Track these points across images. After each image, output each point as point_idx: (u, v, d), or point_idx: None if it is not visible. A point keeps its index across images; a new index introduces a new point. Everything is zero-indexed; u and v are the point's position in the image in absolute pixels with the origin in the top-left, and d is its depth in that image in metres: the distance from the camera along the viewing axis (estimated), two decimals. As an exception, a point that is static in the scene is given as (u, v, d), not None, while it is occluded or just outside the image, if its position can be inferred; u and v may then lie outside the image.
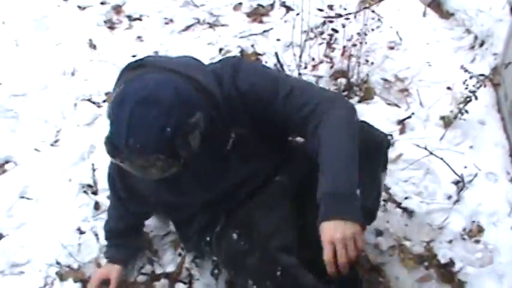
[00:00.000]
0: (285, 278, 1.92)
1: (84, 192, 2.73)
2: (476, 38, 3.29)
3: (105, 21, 3.50)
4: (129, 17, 3.53)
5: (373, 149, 2.06)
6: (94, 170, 2.78)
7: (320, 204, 1.76)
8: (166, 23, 3.49)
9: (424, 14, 3.44)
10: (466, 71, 2.80)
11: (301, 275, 1.95)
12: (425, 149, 2.69)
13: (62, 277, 2.47)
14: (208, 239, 2.17)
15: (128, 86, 1.78)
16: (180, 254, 2.49)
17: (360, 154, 1.83)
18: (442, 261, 2.42)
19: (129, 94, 1.75)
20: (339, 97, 2.19)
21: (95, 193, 2.72)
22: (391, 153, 2.45)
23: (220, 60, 2.08)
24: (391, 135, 2.59)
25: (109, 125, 1.79)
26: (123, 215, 2.38)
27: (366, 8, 3.21)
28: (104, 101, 3.09)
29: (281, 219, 2.07)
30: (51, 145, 2.94)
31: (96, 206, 2.67)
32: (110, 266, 2.39)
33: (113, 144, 1.77)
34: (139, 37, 3.41)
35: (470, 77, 2.78)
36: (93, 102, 3.10)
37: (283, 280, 1.92)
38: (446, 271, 2.41)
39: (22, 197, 2.74)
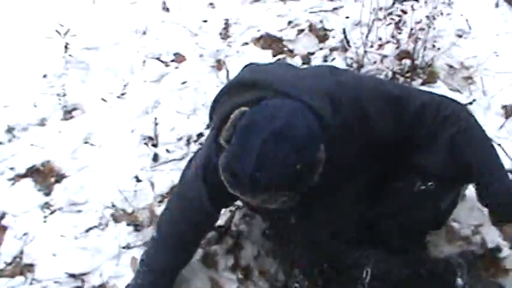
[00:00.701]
0: (333, 267, 2.09)
1: (145, 143, 2.83)
2: (548, 32, 3.25)
3: (178, -15, 3.59)
4: (203, -16, 3.61)
5: None
6: (156, 124, 2.88)
7: (497, 208, 2.05)
8: (239, -8, 3.56)
9: (497, 5, 3.41)
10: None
11: (348, 257, 2.12)
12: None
13: (116, 219, 2.58)
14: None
15: (255, 114, 1.74)
16: (230, 210, 2.55)
17: None
18: (489, 245, 2.43)
19: (258, 124, 1.70)
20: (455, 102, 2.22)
21: (154, 145, 2.82)
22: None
23: (332, 73, 2.03)
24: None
25: (229, 151, 1.73)
26: (180, 247, 2.25)
27: (437, -8, 3.22)
28: (172, 61, 3.19)
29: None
30: (118, 97, 3.05)
31: (155, 157, 2.77)
32: None
33: (235, 175, 1.70)
34: (211, 4, 3.49)
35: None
36: (162, 61, 3.19)
37: (331, 270, 2.09)
38: (492, 256, 2.42)
39: (86, 142, 2.86)
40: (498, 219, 2.12)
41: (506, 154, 2.64)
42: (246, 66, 2.09)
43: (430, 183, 2.11)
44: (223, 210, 2.52)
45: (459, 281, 2.16)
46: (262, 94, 1.85)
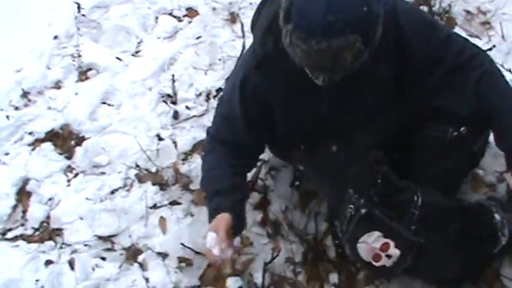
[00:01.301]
0: (386, 184, 2.04)
1: (164, 101, 2.81)
2: None
3: None
4: None
5: None
6: (174, 81, 2.85)
7: (509, 156, 2.09)
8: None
9: None
10: (555, 3, 2.75)
11: (398, 181, 2.08)
12: (510, 71, 2.66)
13: (140, 179, 2.57)
14: (302, 147, 2.16)
15: None
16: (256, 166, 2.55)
17: None
18: (514, 190, 2.44)
19: None
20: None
21: (174, 103, 2.80)
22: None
23: None
24: None
25: (296, 7, 1.70)
26: (234, 154, 2.15)
27: None
28: (185, 16, 3.13)
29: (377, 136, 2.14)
30: (133, 55, 3.01)
31: (175, 115, 2.75)
32: (218, 218, 2.01)
33: (309, 22, 1.67)
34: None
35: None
36: (174, 16, 3.14)
37: (385, 186, 2.03)
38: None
39: (103, 103, 2.84)
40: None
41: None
42: None
43: (462, 129, 2.11)
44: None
45: (497, 217, 2.16)
46: None
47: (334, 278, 2.28)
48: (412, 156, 2.23)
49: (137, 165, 2.59)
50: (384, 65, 1.95)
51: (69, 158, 2.68)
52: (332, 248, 2.33)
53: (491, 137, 2.51)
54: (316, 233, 2.37)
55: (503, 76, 2.14)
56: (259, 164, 2.50)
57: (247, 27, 2.97)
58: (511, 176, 2.14)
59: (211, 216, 2.02)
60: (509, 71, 2.69)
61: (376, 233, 1.98)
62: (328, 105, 2.00)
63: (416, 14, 2.08)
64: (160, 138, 2.68)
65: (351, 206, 2.02)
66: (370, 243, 1.97)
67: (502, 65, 2.65)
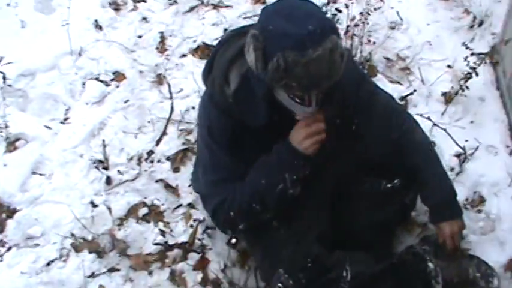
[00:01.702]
0: (316, 267, 2.11)
1: (95, 167, 2.79)
2: (475, 18, 3.35)
3: (109, 3, 3.52)
4: (134, -1, 3.58)
5: None
6: (104, 146, 2.84)
7: (434, 209, 2.32)
8: (171, 4, 3.52)
9: (424, -5, 3.52)
10: (467, 47, 2.89)
11: (328, 259, 2.16)
12: (429, 119, 2.77)
13: (76, 248, 2.54)
14: None
15: (268, 9, 1.84)
16: (191, 226, 2.56)
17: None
18: (446, 229, 2.51)
19: (278, 7, 1.82)
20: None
21: (106, 168, 2.78)
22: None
23: None
24: (433, 142, 2.72)
25: (274, 34, 1.77)
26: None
27: (368, -11, 3.30)
28: (112, 80, 3.13)
29: (320, 206, 2.22)
30: (61, 123, 2.97)
31: (108, 180, 2.74)
32: None
33: (296, 38, 1.74)
34: (144, 18, 3.45)
35: (472, 54, 2.87)
36: (101, 81, 3.13)
37: (315, 269, 2.11)
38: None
39: (34, 173, 2.79)
40: (436, 219, 2.31)
41: (452, 138, 2.75)
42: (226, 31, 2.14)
43: (395, 181, 2.24)
44: (183, 228, 2.55)
45: (430, 265, 2.24)
46: None
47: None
48: (348, 206, 2.31)
49: (72, 234, 2.56)
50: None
51: (0, 231, 2.62)
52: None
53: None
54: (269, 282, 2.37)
55: (421, 131, 2.32)
56: (195, 224, 2.52)
57: (175, 88, 3.05)
58: (437, 229, 2.31)
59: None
60: (429, 118, 2.80)
61: None
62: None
63: (350, 61, 2.15)
64: (94, 205, 2.66)
65: (280, 285, 2.08)
66: None
67: (421, 115, 2.78)
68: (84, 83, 3.13)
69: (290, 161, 2.01)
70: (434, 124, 2.76)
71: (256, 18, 3.27)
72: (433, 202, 2.30)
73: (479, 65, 2.84)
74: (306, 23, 1.75)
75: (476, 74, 2.83)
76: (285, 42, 1.75)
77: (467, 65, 2.85)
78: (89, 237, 2.55)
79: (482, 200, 2.60)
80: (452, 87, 2.95)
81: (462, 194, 2.59)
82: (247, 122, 1.98)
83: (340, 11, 3.12)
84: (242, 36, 1.96)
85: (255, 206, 2.07)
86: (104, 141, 2.86)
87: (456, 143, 2.72)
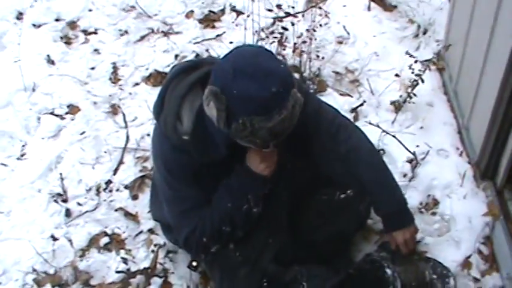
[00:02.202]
0: (271, 287, 2.16)
1: (55, 201, 2.79)
2: (419, 27, 3.46)
3: (61, 37, 3.56)
4: (85, 31, 3.60)
5: None
6: (62, 179, 2.85)
7: (386, 219, 2.34)
8: (122, 35, 3.57)
9: (369, 8, 3.59)
10: (410, 56, 2.97)
11: (284, 277, 2.20)
12: (378, 126, 2.84)
13: (39, 283, 2.54)
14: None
15: (226, 63, 1.82)
16: (153, 251, 2.57)
17: None
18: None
19: (237, 64, 1.79)
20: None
21: (65, 201, 2.79)
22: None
23: None
24: (382, 149, 2.80)
25: (237, 96, 1.77)
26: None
27: (313, 6, 3.39)
28: (67, 113, 3.15)
29: (277, 224, 2.26)
30: (18, 159, 2.98)
31: (68, 213, 2.74)
32: None
33: (260, 103, 1.77)
34: (96, 50, 3.49)
35: (415, 61, 2.95)
36: (56, 115, 3.15)
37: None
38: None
39: (-7, 211, 2.79)
40: (389, 228, 2.34)
41: (402, 144, 2.81)
42: (173, 67, 2.13)
43: (349, 191, 2.31)
44: (145, 254, 2.56)
45: (388, 271, 2.28)
46: (209, 68, 1.94)
47: None
48: (305, 220, 2.36)
49: (34, 270, 2.55)
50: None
51: (-39, 272, 2.61)
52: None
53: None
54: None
55: (368, 142, 2.35)
56: (155, 248, 2.54)
57: (129, 117, 3.07)
58: (390, 237, 2.34)
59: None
60: (378, 126, 2.86)
61: None
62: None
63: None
64: (55, 239, 2.66)
65: None
66: None
67: (370, 122, 2.84)
68: (39, 118, 3.15)
69: (251, 183, 2.09)
70: (384, 131, 2.81)
71: (206, 42, 3.43)
72: (385, 213, 2.34)
73: (424, 71, 2.91)
74: (268, 83, 1.77)
75: (422, 81, 2.91)
76: (250, 107, 1.78)
77: (413, 72, 2.92)
78: (51, 271, 2.55)
79: (436, 203, 2.66)
80: (400, 96, 3.02)
81: (416, 198, 2.66)
82: (203, 158, 2.02)
83: (286, 29, 3.18)
84: (190, 72, 1.99)
85: (225, 228, 2.13)
86: (61, 174, 2.87)
87: (407, 149, 2.78)
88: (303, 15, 3.24)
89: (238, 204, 2.11)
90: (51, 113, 3.17)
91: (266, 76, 1.78)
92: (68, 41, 3.57)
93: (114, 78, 3.35)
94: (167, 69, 3.32)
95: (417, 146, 2.83)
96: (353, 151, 2.27)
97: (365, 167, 2.29)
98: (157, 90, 3.06)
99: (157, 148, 2.17)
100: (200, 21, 3.64)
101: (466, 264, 2.46)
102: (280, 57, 3.23)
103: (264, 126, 1.80)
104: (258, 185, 2.10)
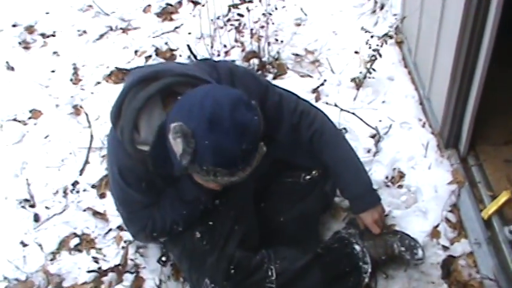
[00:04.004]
0: (239, 272, 2.15)
1: (22, 207, 2.78)
2: (376, 2, 3.46)
3: (19, 43, 3.54)
4: (43, 35, 3.59)
5: None
6: (29, 184, 2.84)
7: (353, 201, 2.36)
8: (80, 35, 3.55)
9: (325, -12, 3.60)
10: (366, 31, 2.98)
11: (251, 261, 2.19)
12: (336, 105, 2.84)
13: (11, 290, 2.52)
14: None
15: (202, 109, 1.74)
16: (123, 247, 2.56)
17: None
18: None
19: (215, 116, 1.72)
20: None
21: (32, 206, 2.78)
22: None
23: (213, 64, 2.11)
24: (344, 128, 2.80)
25: (207, 146, 1.73)
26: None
27: (267, -10, 3.37)
28: (29, 118, 3.14)
29: (242, 211, 2.25)
30: (-17, 167, 2.97)
31: (36, 217, 2.73)
32: None
33: (229, 159, 1.75)
34: (55, 52, 3.47)
35: (372, 37, 2.95)
36: (19, 121, 3.14)
37: (238, 273, 2.15)
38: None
39: (-40, 222, 2.77)
40: (356, 210, 2.36)
41: (363, 121, 2.82)
42: (131, 71, 2.07)
43: (313, 172, 2.34)
44: (115, 251, 2.56)
45: (356, 247, 2.29)
46: (169, 80, 1.90)
47: None
48: (272, 204, 2.36)
49: (5, 277, 2.54)
50: None
51: None
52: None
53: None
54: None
55: (332, 124, 2.34)
56: (125, 245, 2.53)
57: (92, 117, 3.06)
58: (359, 219, 2.37)
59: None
60: (336, 105, 2.87)
61: None
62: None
63: (251, 78, 2.17)
64: (24, 245, 2.64)
65: None
66: None
67: (327, 103, 2.85)
68: (1, 126, 3.13)
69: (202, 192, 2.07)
70: (342, 109, 2.82)
71: (165, 35, 3.42)
72: (351, 195, 2.35)
73: (381, 46, 2.91)
74: (241, 140, 1.74)
75: (380, 55, 2.91)
76: (218, 160, 1.75)
77: (370, 48, 2.92)
78: (23, 278, 2.53)
79: (401, 176, 2.67)
80: (360, 72, 3.02)
81: (381, 172, 2.67)
82: (158, 171, 1.98)
83: (242, 16, 3.17)
84: (149, 82, 1.91)
85: (176, 227, 2.17)
86: (27, 179, 2.85)
87: (367, 125, 2.78)
88: (259, 0, 3.22)
89: (193, 207, 2.13)
90: (14, 119, 3.16)
91: (241, 133, 1.74)
92: (26, 45, 3.56)
93: (75, 79, 3.33)
94: (128, 66, 3.32)
95: (380, 121, 2.84)
96: (316, 136, 2.26)
97: (329, 150, 2.29)
98: (118, 88, 3.08)
99: (112, 152, 2.12)
100: (158, 14, 3.64)
101: (435, 233, 2.47)
102: (238, 44, 3.23)
103: (228, 179, 1.79)
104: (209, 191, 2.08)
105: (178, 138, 1.75)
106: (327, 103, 2.87)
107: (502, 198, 2.42)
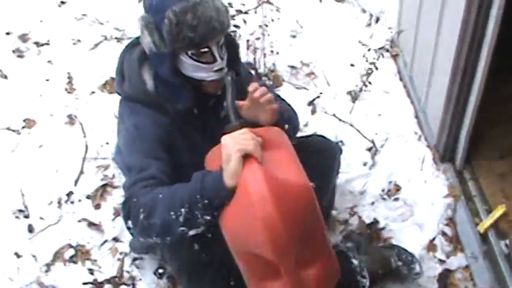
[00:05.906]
0: (238, 285, 2.09)
1: (16, 217, 2.75)
2: (371, 16, 3.49)
3: (13, 51, 3.51)
4: (37, 43, 3.56)
5: (328, 158, 2.33)
6: (23, 195, 2.81)
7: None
8: (75, 44, 3.53)
9: (321, 0, 3.61)
10: (363, 45, 2.99)
11: None
12: (334, 116, 2.85)
13: (5, 302, 2.50)
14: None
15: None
16: (119, 259, 2.55)
17: (317, 163, 2.10)
18: (367, 221, 2.58)
19: None
20: None
21: (26, 217, 2.75)
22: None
23: None
24: (341, 141, 2.80)
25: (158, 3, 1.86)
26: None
27: (264, 2, 3.38)
28: (23, 127, 3.11)
29: None
30: (-24, 177, 2.95)
31: (30, 228, 2.70)
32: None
33: None
34: (49, 61, 3.45)
35: (368, 50, 2.97)
36: (13, 131, 3.11)
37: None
38: (372, 230, 2.57)
39: (-46, 233, 2.75)
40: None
41: (359, 132, 2.84)
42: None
43: (311, 184, 2.24)
44: (111, 262, 2.54)
45: (354, 262, 2.29)
46: None
47: None
48: None
49: (-1, 289, 2.52)
50: None
51: None
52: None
53: (338, 180, 2.67)
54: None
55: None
56: (121, 256, 2.52)
57: (87, 126, 3.04)
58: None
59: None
60: (334, 115, 2.88)
61: None
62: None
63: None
64: (18, 256, 2.62)
65: None
66: None
67: (334, 115, 2.85)
68: (-5, 135, 3.11)
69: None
70: (340, 120, 2.83)
71: None
72: None
73: (377, 59, 2.93)
74: None
75: (376, 68, 2.93)
76: (168, 1, 1.85)
77: (367, 61, 2.94)
78: (17, 289, 2.52)
79: (398, 189, 2.68)
80: (356, 85, 3.03)
81: (378, 185, 2.68)
82: (175, 106, 2.01)
83: (238, 27, 3.18)
84: (136, 46, 2.05)
85: (175, 222, 1.91)
86: (21, 190, 2.83)
87: (364, 137, 2.79)
88: (255, 12, 3.23)
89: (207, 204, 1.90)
90: (8, 129, 3.13)
91: None
92: (20, 54, 3.52)
93: (70, 88, 3.31)
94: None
95: (376, 134, 2.86)
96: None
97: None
98: (113, 98, 3.11)
99: (127, 114, 2.08)
100: (153, 25, 3.62)
101: (431, 246, 2.49)
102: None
103: (186, 8, 1.84)
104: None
105: (143, 30, 1.92)
106: (325, 112, 2.87)
107: (498, 212, 2.44)
